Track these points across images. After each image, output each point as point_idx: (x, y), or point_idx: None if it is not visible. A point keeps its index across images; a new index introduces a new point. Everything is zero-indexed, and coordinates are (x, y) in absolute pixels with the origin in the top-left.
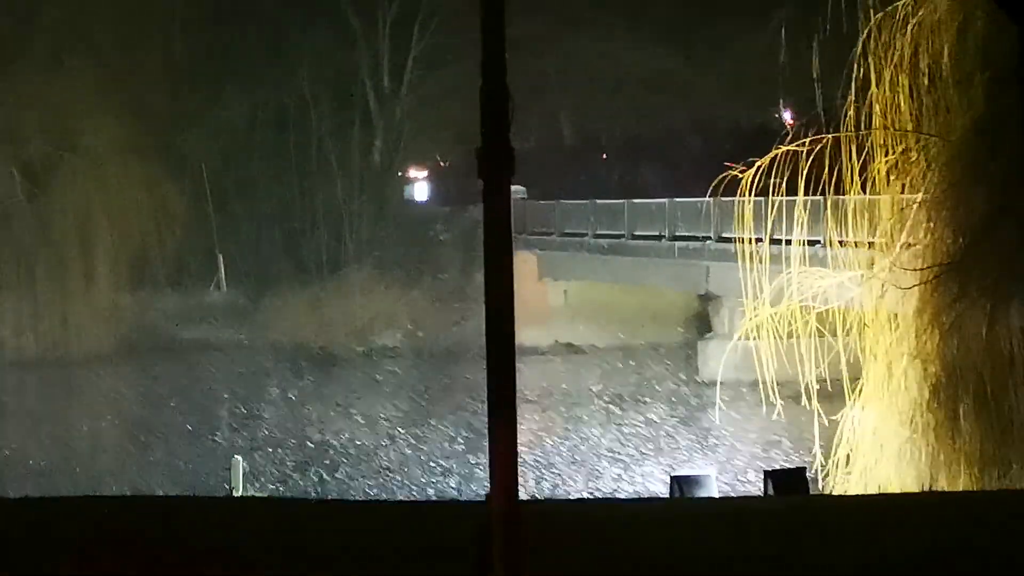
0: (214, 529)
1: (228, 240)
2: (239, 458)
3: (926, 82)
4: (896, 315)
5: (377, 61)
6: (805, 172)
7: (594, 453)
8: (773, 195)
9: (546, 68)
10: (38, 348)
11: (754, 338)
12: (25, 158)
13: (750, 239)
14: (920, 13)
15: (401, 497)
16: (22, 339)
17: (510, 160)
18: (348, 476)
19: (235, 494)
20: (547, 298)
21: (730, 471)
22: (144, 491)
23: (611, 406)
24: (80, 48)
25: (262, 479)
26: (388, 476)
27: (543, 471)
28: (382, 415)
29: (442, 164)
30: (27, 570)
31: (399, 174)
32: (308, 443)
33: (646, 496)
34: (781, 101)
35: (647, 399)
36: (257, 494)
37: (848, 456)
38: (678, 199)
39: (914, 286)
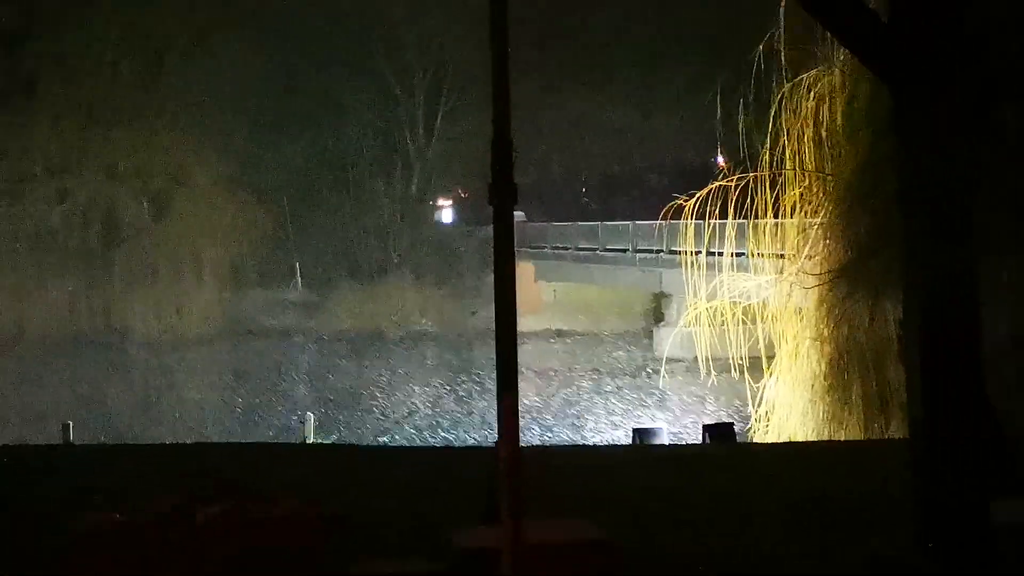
0: (290, 469)
1: (302, 251)
2: (311, 414)
3: (824, 134)
4: (800, 309)
5: (414, 117)
6: (733, 202)
7: (575, 410)
8: (709, 219)
9: (540, 122)
10: (159, 332)
11: (695, 325)
12: (151, 190)
13: (692, 251)
14: (820, 83)
15: (431, 439)
16: (148, 325)
17: (513, 192)
18: (392, 425)
19: (307, 441)
20: (541, 295)
21: (677, 425)
22: (237, 439)
23: (588, 375)
24: (190, 106)
25: (329, 430)
26: (422, 424)
27: (538, 423)
28: (415, 381)
29: (463, 195)
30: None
31: (430, 202)
32: (362, 401)
33: (614, 444)
34: (717, 148)
35: (615, 370)
36: (323, 441)
37: (765, 414)
38: (639, 221)
39: (814, 287)
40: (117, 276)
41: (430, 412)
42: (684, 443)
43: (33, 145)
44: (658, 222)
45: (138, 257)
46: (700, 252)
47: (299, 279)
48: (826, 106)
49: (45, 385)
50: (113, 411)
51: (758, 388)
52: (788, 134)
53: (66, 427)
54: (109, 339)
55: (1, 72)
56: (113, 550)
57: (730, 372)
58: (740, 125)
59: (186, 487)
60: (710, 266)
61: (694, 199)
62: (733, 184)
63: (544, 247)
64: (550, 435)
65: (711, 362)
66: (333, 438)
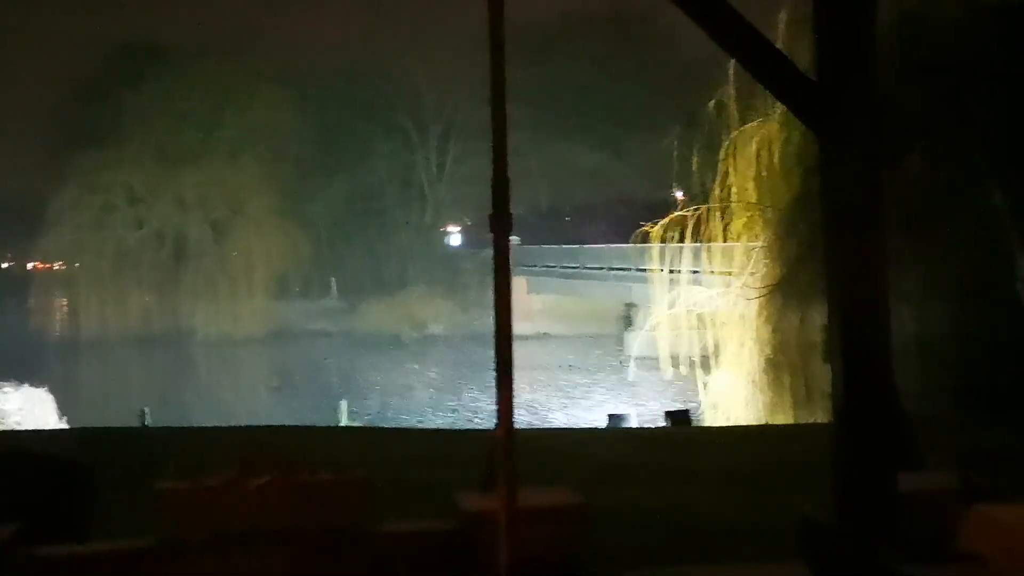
0: (326, 445)
1: (337, 268)
2: (344, 401)
3: (764, 173)
4: (744, 316)
5: (429, 160)
6: (690, 229)
7: (559, 397)
8: (670, 242)
9: (531, 165)
10: (218, 334)
11: (658, 330)
12: (213, 218)
13: (656, 269)
14: (761, 131)
15: (439, 422)
16: (209, 328)
17: (509, 220)
18: (407, 410)
19: (340, 423)
20: (532, 305)
21: (644, 411)
22: (283, 421)
23: (570, 370)
24: (244, 148)
25: (358, 414)
26: (432, 409)
27: (529, 408)
28: (430, 374)
29: (468, 223)
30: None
31: (441, 229)
32: (386, 391)
33: (592, 427)
34: (673, 184)
35: (591, 366)
36: (354, 424)
37: (716, 402)
38: (612, 244)
39: (755, 298)
40: (184, 288)
41: (437, 397)
42: (649, 426)
43: (116, 180)
44: (628, 245)
45: (201, 273)
46: (663, 270)
47: (334, 291)
48: (766, 150)
49: (125, 377)
50: (180, 398)
51: (708, 381)
52: (735, 173)
53: (143, 412)
54: (177, 340)
55: (89, 119)
56: (182, 511)
57: (686, 368)
58: (694, 166)
59: (240, 460)
60: (671, 281)
61: (658, 226)
62: (689, 214)
63: (535, 265)
64: (539, 418)
65: (671, 360)
66: (363, 421)
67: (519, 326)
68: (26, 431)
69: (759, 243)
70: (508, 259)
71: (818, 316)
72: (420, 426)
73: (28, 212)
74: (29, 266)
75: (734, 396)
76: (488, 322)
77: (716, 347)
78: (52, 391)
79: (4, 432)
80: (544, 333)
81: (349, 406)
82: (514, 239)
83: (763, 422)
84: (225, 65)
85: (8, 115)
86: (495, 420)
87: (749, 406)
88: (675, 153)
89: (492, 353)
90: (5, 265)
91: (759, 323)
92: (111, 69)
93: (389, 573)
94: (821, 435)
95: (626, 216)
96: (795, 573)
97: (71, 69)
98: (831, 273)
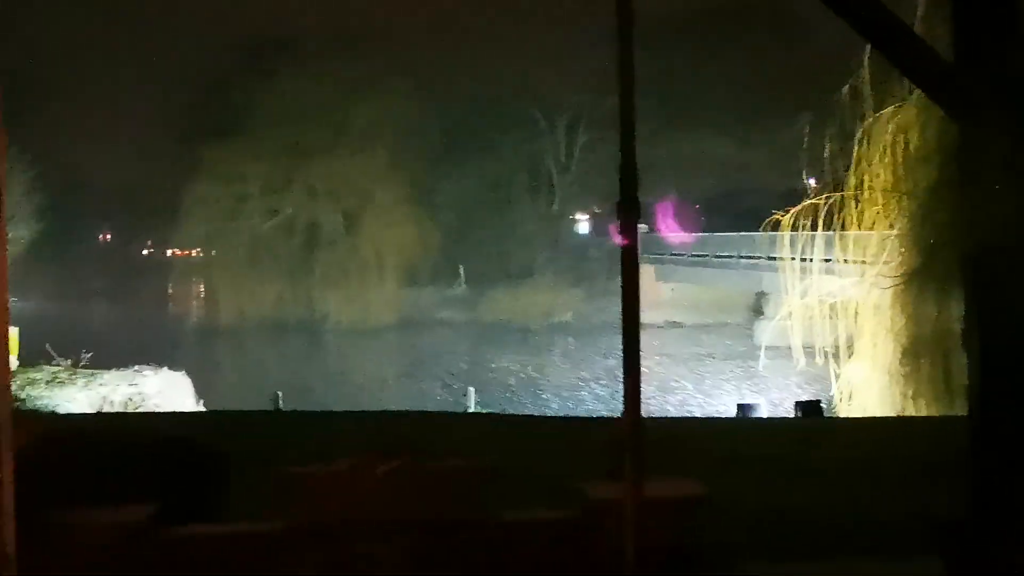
0: (454, 432)
1: (465, 257)
2: (472, 388)
3: (900, 160)
4: (878, 306)
5: (557, 148)
6: (822, 217)
7: (688, 386)
8: (801, 231)
9: (660, 153)
10: (351, 321)
11: (789, 319)
12: (344, 207)
13: (788, 258)
14: (898, 116)
15: (567, 410)
16: (340, 316)
17: (637, 208)
18: (534, 398)
19: (469, 411)
20: (660, 293)
21: (774, 401)
22: (411, 408)
23: (698, 359)
24: (375, 139)
25: (486, 401)
26: (560, 398)
27: (657, 397)
28: (557, 362)
29: (596, 211)
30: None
31: (569, 217)
32: (513, 380)
33: (720, 416)
34: (804, 172)
35: (720, 355)
36: (482, 411)
37: (849, 393)
38: (743, 233)
39: (890, 287)
40: (316, 276)
41: (564, 386)
42: (778, 416)
43: (249, 171)
44: (758, 233)
45: (333, 261)
46: (794, 258)
47: (462, 280)
48: (902, 136)
49: (259, 362)
50: (312, 384)
51: (841, 372)
52: (869, 159)
53: (275, 396)
54: (311, 327)
55: (223, 112)
56: (313, 495)
57: (818, 358)
58: (826, 153)
59: (369, 447)
60: (802, 270)
61: (789, 214)
62: (822, 203)
63: (663, 254)
64: (667, 407)
65: (802, 349)
66: (491, 408)
67: (647, 315)
68: (164, 413)
69: (894, 231)
70: (636, 247)
71: (956, 306)
72: (547, 414)
73: (167, 202)
74: (168, 253)
75: (867, 387)
76: (616, 311)
77: (849, 337)
78: (189, 374)
79: (144, 414)
80: (673, 322)
81: (476, 394)
82: (642, 227)
83: (898, 414)
84: (354, 57)
85: (147, 109)
86: (622, 409)
87: (883, 398)
88: (806, 141)
89: (620, 342)
90: (146, 252)
91: (894, 312)
92: (244, 64)
93: (514, 561)
94: (958, 428)
95: (756, 205)
96: (929, 570)
97: (205, 64)
98: (969, 261)
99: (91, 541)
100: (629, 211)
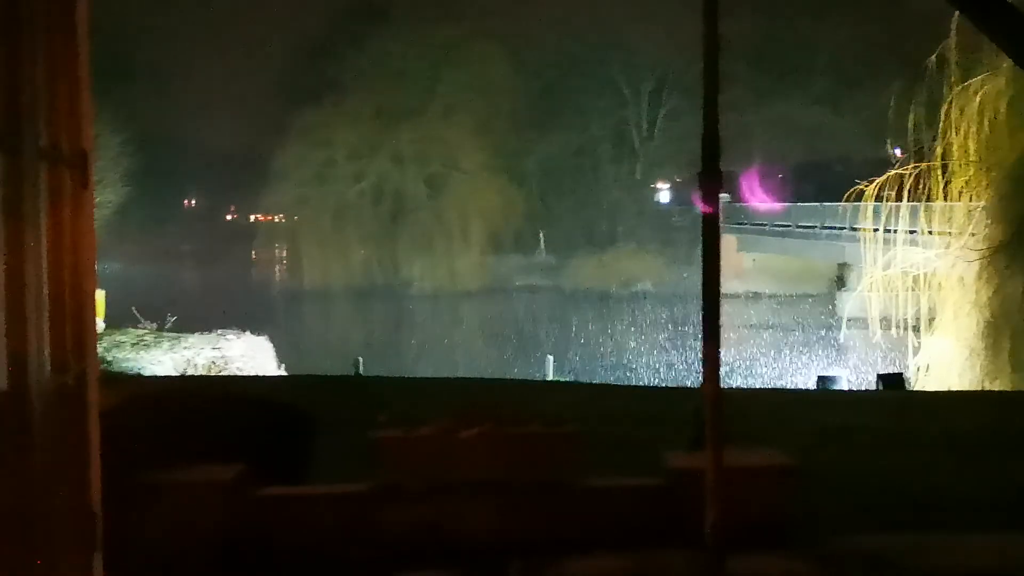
0: (535, 400)
1: (547, 224)
2: (550, 356)
3: (988, 130)
4: (962, 279)
5: (640, 116)
6: (908, 187)
7: (768, 357)
8: (886, 201)
9: (746, 121)
10: (434, 287)
11: (872, 291)
12: (427, 174)
13: (871, 229)
14: (985, 87)
15: (647, 378)
16: (425, 282)
17: (720, 177)
18: (615, 366)
19: (547, 379)
20: (741, 263)
21: (855, 373)
22: (493, 375)
23: (780, 330)
24: (460, 106)
25: (565, 369)
26: (640, 366)
27: (738, 367)
28: (638, 330)
29: (678, 180)
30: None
31: (652, 186)
32: (594, 347)
33: (802, 387)
34: (890, 141)
35: (802, 326)
36: (561, 379)
37: (928, 366)
38: (826, 203)
39: (975, 260)
40: (401, 242)
41: (645, 354)
42: (860, 388)
43: (336, 137)
44: (843, 203)
45: (418, 227)
46: (878, 229)
47: (543, 246)
48: (991, 106)
49: (341, 327)
50: (395, 350)
51: (923, 344)
52: (956, 130)
53: (356, 362)
54: (394, 292)
55: (311, 78)
56: (396, 459)
57: (901, 330)
58: (911, 123)
59: (452, 412)
60: (886, 241)
61: (874, 184)
62: (907, 173)
63: (745, 223)
64: (748, 377)
65: (885, 322)
66: (569, 376)
67: (728, 284)
68: (247, 376)
69: (981, 203)
70: (718, 216)
71: None
72: (628, 382)
73: (251, 167)
74: (251, 219)
75: (950, 360)
76: (697, 280)
77: (932, 309)
78: (272, 339)
79: (228, 377)
80: (754, 292)
81: (558, 361)
82: (725, 196)
83: (981, 388)
84: (442, 24)
85: (236, 75)
86: (702, 378)
87: (965, 371)
88: (892, 110)
89: (700, 311)
90: (229, 217)
91: (979, 285)
92: (334, 30)
93: (595, 527)
94: None
95: (842, 174)
96: (1017, 544)
97: (296, 31)
98: None
99: (178, 500)
100: (711, 180)
